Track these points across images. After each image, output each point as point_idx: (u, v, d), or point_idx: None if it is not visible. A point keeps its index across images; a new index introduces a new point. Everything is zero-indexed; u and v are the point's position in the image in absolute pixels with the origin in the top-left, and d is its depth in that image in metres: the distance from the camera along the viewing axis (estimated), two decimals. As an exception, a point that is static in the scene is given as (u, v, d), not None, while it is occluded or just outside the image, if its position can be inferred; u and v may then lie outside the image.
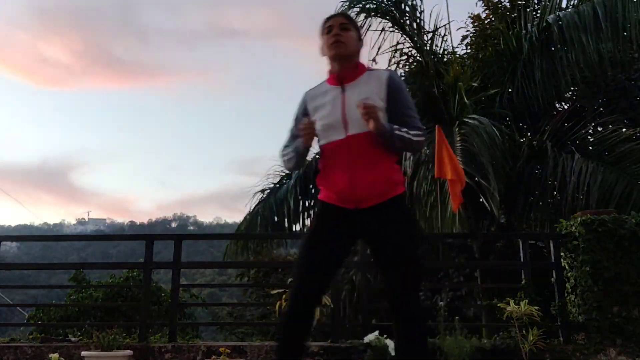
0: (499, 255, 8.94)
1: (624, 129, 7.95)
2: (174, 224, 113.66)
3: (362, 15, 8.75)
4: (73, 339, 5.22)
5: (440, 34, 8.93)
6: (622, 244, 4.71)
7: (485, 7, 10.38)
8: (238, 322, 13.32)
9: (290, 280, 2.25)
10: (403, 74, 9.55)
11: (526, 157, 7.90)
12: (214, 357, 4.38)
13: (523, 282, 5.06)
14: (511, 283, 5.97)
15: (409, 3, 8.80)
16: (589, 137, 8.18)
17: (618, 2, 7.35)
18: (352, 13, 8.74)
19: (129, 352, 4.45)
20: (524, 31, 8.41)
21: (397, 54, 9.13)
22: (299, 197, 8.62)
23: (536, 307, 4.37)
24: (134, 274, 9.38)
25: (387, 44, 8.90)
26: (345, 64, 2.28)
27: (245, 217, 9.35)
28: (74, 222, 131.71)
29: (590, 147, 7.79)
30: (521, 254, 5.24)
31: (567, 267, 4.95)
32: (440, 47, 9.10)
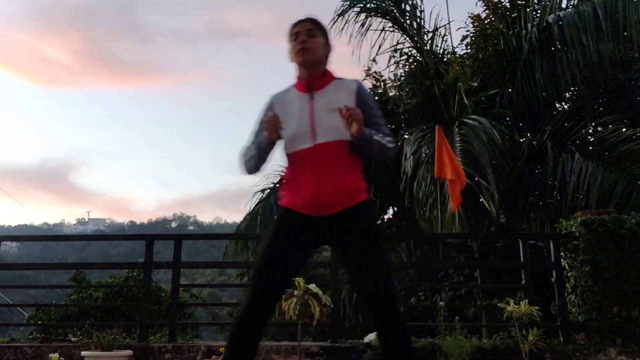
0: (499, 255, 8.94)
1: (624, 129, 7.96)
2: (174, 224, 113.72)
3: (363, 15, 8.76)
4: (73, 339, 5.23)
5: (440, 34, 8.95)
6: (622, 244, 4.71)
7: (485, 7, 10.37)
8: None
9: (251, 280, 2.23)
10: (403, 74, 9.56)
11: (526, 157, 7.90)
12: (214, 357, 4.38)
13: (523, 282, 5.06)
14: (511, 283, 5.97)
15: (409, 3, 8.80)
16: (589, 137, 8.18)
17: (618, 2, 7.35)
18: (353, 13, 8.76)
19: (129, 352, 4.45)
20: (524, 31, 8.41)
21: (397, 54, 9.14)
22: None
23: (536, 307, 4.37)
24: (134, 274, 9.37)
25: (387, 43, 8.92)
26: (312, 71, 2.27)
27: (245, 217, 9.36)
28: (74, 222, 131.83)
29: (590, 147, 7.79)
30: (521, 254, 5.24)
31: (567, 267, 4.95)
32: (440, 47, 9.12)
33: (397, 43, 8.89)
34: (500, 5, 10.24)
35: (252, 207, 9.31)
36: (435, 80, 8.38)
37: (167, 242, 5.90)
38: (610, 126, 8.50)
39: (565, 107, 9.29)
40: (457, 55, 9.51)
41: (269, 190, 9.36)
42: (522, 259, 5.22)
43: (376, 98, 11.14)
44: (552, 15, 8.04)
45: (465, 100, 7.55)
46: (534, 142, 8.16)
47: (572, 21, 7.67)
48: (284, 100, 2.32)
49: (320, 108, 2.23)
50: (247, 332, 2.13)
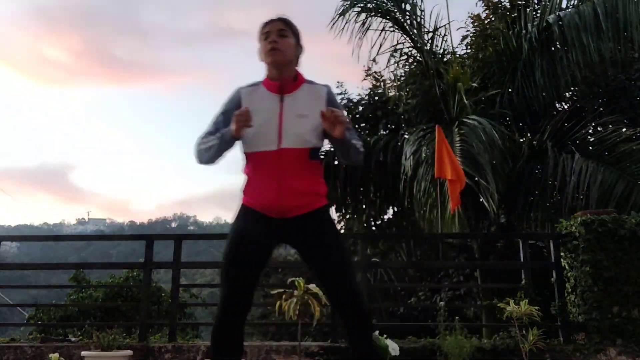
0: (499, 255, 8.94)
1: (624, 129, 7.96)
2: (174, 224, 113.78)
3: (363, 15, 8.75)
4: (73, 339, 5.22)
5: (440, 34, 8.94)
6: (622, 244, 4.71)
7: (485, 7, 10.37)
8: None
9: (222, 281, 2.21)
10: (403, 74, 9.55)
11: (526, 157, 7.90)
12: (214, 357, 4.37)
13: (523, 282, 5.05)
14: (511, 283, 5.97)
15: (410, 2, 8.80)
16: (589, 137, 8.18)
17: (619, 2, 7.35)
18: (353, 13, 8.75)
19: (129, 352, 4.45)
20: (524, 31, 8.41)
21: (397, 54, 9.14)
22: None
23: (536, 307, 4.36)
24: (134, 274, 9.37)
25: (388, 43, 8.92)
26: (283, 72, 2.25)
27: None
28: (74, 222, 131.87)
29: (590, 147, 7.79)
30: (521, 254, 5.23)
31: (567, 267, 4.95)
32: (440, 47, 9.11)
33: (397, 43, 8.89)
34: (500, 5, 10.24)
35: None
36: (435, 80, 8.38)
37: (167, 242, 5.89)
38: (610, 126, 8.50)
39: (565, 107, 9.29)
40: (457, 55, 9.51)
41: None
42: (522, 259, 5.22)
43: (376, 98, 11.15)
44: (552, 15, 8.04)
45: (465, 100, 7.55)
46: (534, 142, 8.16)
47: (572, 21, 7.66)
48: (251, 96, 2.27)
49: (289, 112, 2.21)
50: (228, 332, 2.14)
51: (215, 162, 2.28)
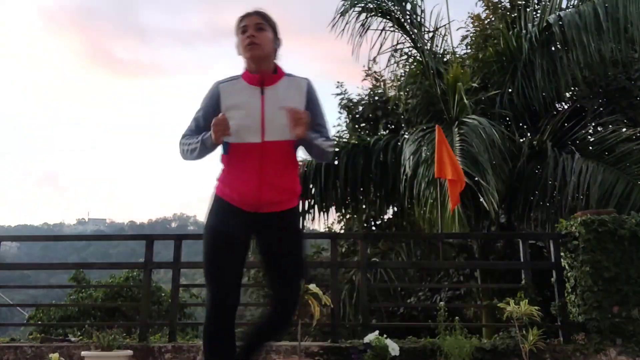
0: (499, 255, 8.93)
1: (624, 129, 7.95)
2: (174, 224, 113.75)
3: (363, 15, 8.75)
4: (73, 339, 5.22)
5: (440, 34, 8.93)
6: (622, 244, 4.71)
7: (485, 7, 10.38)
8: (238, 322, 13.30)
9: (208, 281, 2.21)
10: (403, 74, 9.55)
11: (526, 157, 7.89)
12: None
13: (523, 282, 5.05)
14: (511, 283, 5.98)
15: (410, 2, 8.79)
16: (589, 137, 8.17)
17: (619, 1, 7.34)
18: (354, 13, 8.75)
19: (129, 352, 4.45)
20: (524, 31, 8.40)
21: (397, 54, 9.13)
22: (299, 197, 8.61)
23: (536, 307, 4.36)
24: (134, 274, 9.39)
25: (388, 43, 8.91)
26: (262, 65, 2.24)
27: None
28: (74, 222, 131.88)
29: (590, 147, 7.78)
30: (521, 254, 5.23)
31: (567, 267, 4.95)
32: (441, 47, 9.11)
33: (397, 43, 8.88)
34: (500, 5, 10.25)
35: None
36: (435, 80, 8.37)
37: (167, 242, 5.89)
38: (610, 126, 8.49)
39: (565, 107, 9.28)
40: (457, 55, 9.51)
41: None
42: (522, 259, 5.22)
43: (376, 98, 11.15)
44: (552, 15, 8.03)
45: (465, 100, 7.54)
46: (534, 142, 8.16)
47: (572, 21, 7.65)
48: (231, 90, 2.27)
49: (270, 104, 2.20)
50: (221, 331, 2.14)
51: (199, 160, 2.31)
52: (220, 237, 2.20)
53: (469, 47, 10.22)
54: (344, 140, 9.41)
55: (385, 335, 4.36)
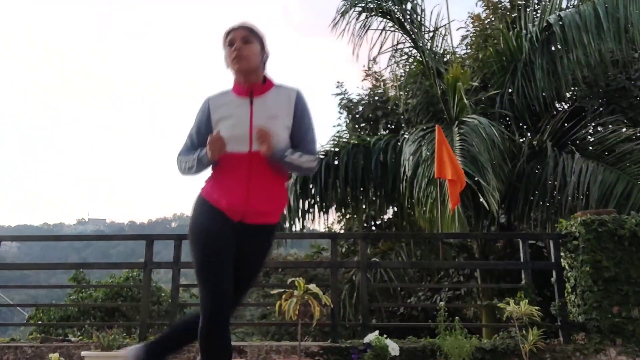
0: (499, 255, 8.93)
1: (624, 129, 7.95)
2: (174, 224, 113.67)
3: (364, 15, 8.75)
4: (73, 339, 5.22)
5: (440, 34, 8.94)
6: (622, 244, 4.71)
7: (485, 7, 10.38)
8: (238, 322, 13.28)
9: (202, 282, 2.20)
10: (403, 74, 9.55)
11: (526, 157, 7.90)
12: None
13: (523, 282, 5.06)
14: (511, 283, 5.97)
15: (411, 1, 8.79)
16: (589, 137, 8.17)
17: (619, 1, 7.34)
18: (354, 13, 8.75)
19: (129, 352, 4.44)
20: (524, 31, 8.41)
21: (398, 54, 9.13)
22: (299, 197, 8.62)
23: (536, 307, 4.37)
24: (134, 274, 9.38)
25: (388, 43, 8.91)
26: (250, 78, 2.28)
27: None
28: (73, 222, 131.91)
29: (590, 147, 7.79)
30: (521, 254, 5.24)
31: (567, 267, 4.95)
32: (441, 47, 9.11)
33: (398, 43, 8.88)
34: (500, 5, 10.25)
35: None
36: (435, 80, 8.38)
37: (167, 242, 5.88)
38: (610, 126, 8.50)
39: (565, 107, 9.28)
40: (457, 55, 9.51)
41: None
42: (522, 259, 5.22)
43: (376, 98, 11.15)
44: (552, 15, 8.04)
45: (465, 100, 7.55)
46: (534, 142, 8.16)
47: (572, 21, 7.66)
48: (220, 103, 2.32)
49: (259, 114, 2.24)
50: (216, 332, 2.11)
51: (197, 175, 2.35)
52: (212, 238, 2.19)
53: (469, 47, 10.23)
54: (344, 140, 9.41)
55: (385, 335, 4.36)
